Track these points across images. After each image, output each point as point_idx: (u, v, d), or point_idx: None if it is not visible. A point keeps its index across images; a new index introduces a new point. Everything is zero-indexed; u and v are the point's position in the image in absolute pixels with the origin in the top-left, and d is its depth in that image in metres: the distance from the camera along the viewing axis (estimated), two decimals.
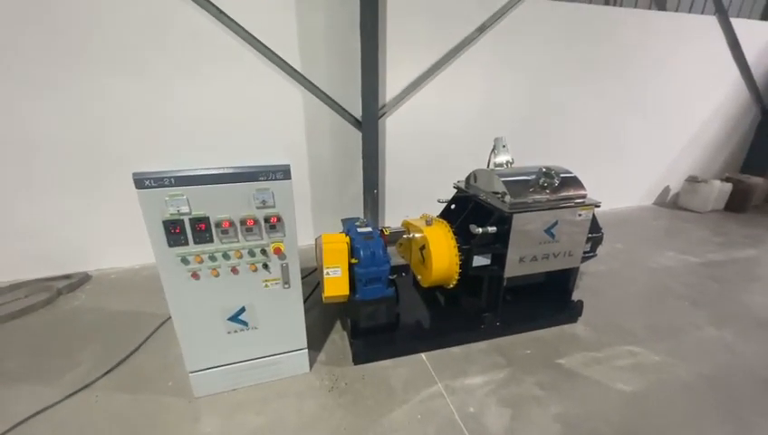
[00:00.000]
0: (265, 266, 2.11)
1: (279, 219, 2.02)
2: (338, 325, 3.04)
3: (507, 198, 2.61)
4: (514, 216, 2.56)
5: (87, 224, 3.70)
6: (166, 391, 2.36)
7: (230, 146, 3.83)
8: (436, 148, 4.61)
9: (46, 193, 3.49)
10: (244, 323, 2.21)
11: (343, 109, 4.09)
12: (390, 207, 4.72)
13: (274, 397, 2.32)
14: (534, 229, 2.66)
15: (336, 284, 2.41)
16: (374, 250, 2.48)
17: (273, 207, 1.99)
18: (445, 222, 2.89)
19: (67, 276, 3.64)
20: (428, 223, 2.89)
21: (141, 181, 1.75)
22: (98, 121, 3.42)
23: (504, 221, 2.61)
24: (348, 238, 2.53)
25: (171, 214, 1.84)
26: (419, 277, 3.02)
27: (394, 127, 4.35)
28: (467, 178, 3.22)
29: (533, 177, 2.70)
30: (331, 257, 2.39)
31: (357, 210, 4.51)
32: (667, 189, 6.45)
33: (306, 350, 2.46)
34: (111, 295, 3.43)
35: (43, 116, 3.28)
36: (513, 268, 2.72)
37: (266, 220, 2.00)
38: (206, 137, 3.72)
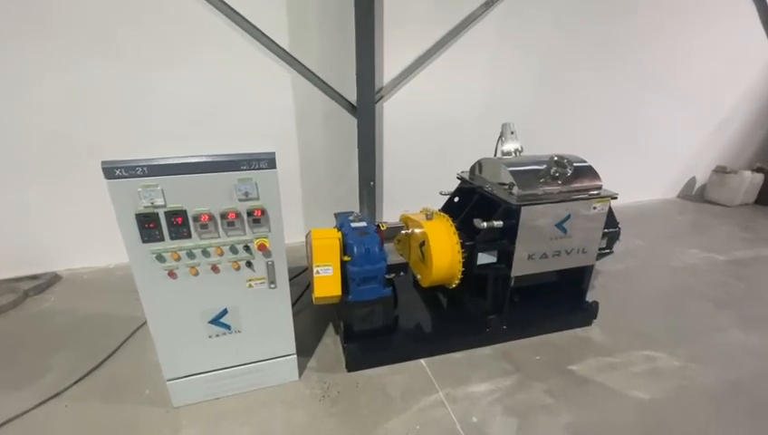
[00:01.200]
0: (249, 265, 2.11)
1: (263, 213, 2.01)
2: (330, 329, 3.05)
3: (515, 190, 2.61)
4: (523, 209, 2.55)
5: (55, 220, 3.69)
6: (142, 399, 2.37)
7: (212, 134, 3.81)
8: (438, 135, 4.59)
9: (8, 185, 3.47)
10: (227, 327, 2.21)
11: (337, 93, 4.07)
12: (388, 200, 4.72)
13: (260, 406, 2.33)
14: (545, 224, 2.65)
15: (327, 283, 2.41)
16: (369, 247, 2.47)
17: (257, 199, 1.98)
18: (447, 216, 2.89)
19: (34, 277, 3.64)
20: (429, 217, 2.89)
21: (111, 171, 1.74)
22: (68, 107, 3.40)
23: (512, 215, 2.60)
24: (340, 234, 2.53)
25: (145, 207, 1.83)
26: (419, 276, 3.02)
27: (392, 112, 4.33)
28: (472, 169, 3.21)
29: (544, 166, 2.68)
30: (321, 254, 2.39)
31: (352, 204, 4.50)
32: (692, 181, 6.44)
33: (295, 355, 2.47)
34: (83, 297, 3.44)
35: (6, 100, 3.26)
36: (521, 266, 2.72)
37: (249, 214, 1.99)
38: (186, 124, 3.71)
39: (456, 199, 3.24)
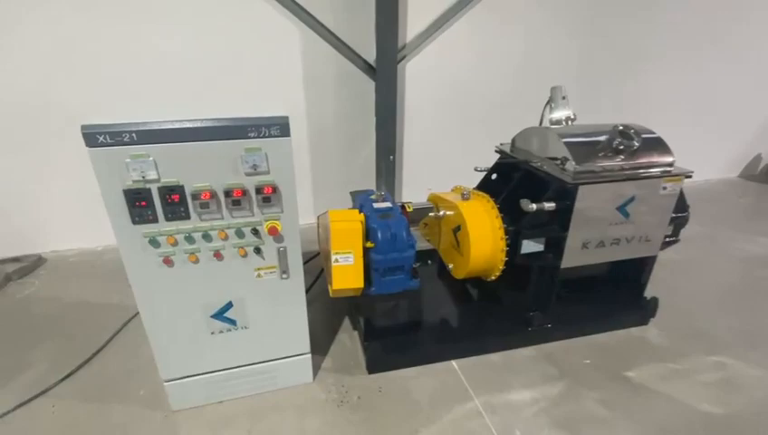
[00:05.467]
0: (258, 251, 1.99)
1: (275, 190, 1.88)
2: (346, 323, 2.96)
3: (570, 165, 2.40)
4: (580, 188, 2.36)
5: (38, 196, 3.64)
6: (137, 400, 2.32)
7: (209, 99, 3.67)
8: (471, 100, 4.41)
9: None
10: (232, 322, 2.13)
11: (352, 51, 3.90)
12: (410, 177, 4.61)
13: (269, 411, 2.27)
14: (604, 206, 2.47)
15: (347, 273, 2.26)
16: (396, 231, 2.32)
17: (268, 172, 1.84)
18: (487, 196, 2.71)
19: (16, 259, 3.62)
20: (465, 197, 2.72)
21: (93, 137, 1.58)
22: (46, 66, 3.27)
23: (566, 195, 2.41)
24: (362, 216, 2.37)
25: (134, 181, 1.68)
26: (450, 266, 2.88)
27: (417, 74, 4.17)
28: (514, 140, 3.03)
29: (605, 137, 2.48)
30: (341, 240, 2.23)
31: (368, 181, 4.39)
32: (757, 158, 6.21)
33: (309, 355, 2.39)
34: (70, 282, 3.42)
35: None
36: (573, 257, 2.55)
37: (258, 191, 1.86)
38: (179, 88, 3.57)
39: (495, 176, 3.06)
